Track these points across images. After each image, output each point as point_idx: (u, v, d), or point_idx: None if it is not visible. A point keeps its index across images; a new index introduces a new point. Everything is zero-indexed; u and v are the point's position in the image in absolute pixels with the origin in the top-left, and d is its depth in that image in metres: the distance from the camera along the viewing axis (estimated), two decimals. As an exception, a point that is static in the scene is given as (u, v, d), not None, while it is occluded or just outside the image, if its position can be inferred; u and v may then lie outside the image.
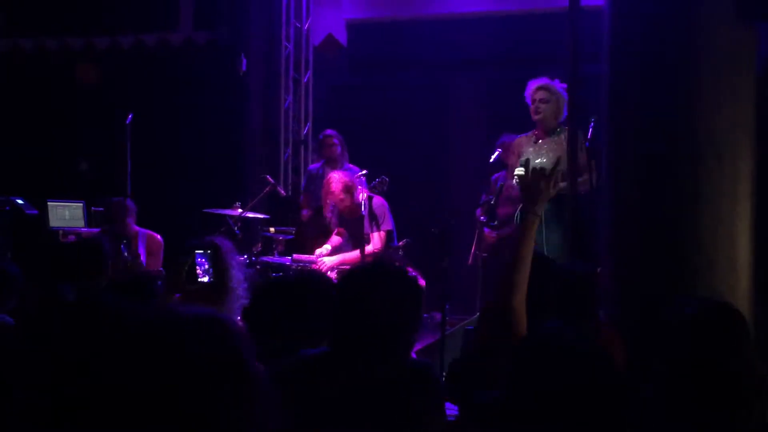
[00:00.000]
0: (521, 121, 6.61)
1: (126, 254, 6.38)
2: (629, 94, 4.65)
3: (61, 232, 7.81)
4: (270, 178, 8.25)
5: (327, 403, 2.54)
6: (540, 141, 6.35)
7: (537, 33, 8.93)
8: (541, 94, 6.32)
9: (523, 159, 6.20)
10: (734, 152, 4.50)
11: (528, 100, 6.41)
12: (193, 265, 4.62)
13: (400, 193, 7.57)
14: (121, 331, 1.55)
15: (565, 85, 6.32)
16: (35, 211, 7.99)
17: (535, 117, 6.35)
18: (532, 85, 6.41)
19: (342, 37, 9.69)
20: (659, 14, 4.50)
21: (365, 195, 6.91)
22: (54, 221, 8.06)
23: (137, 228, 7.12)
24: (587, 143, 6.64)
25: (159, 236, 7.10)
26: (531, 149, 6.32)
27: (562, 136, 6.22)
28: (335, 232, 7.36)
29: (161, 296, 4.00)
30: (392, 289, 2.60)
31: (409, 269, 6.69)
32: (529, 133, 6.49)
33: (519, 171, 6.03)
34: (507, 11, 9.18)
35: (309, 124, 9.93)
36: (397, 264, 2.72)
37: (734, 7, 4.43)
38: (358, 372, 2.56)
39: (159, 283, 3.98)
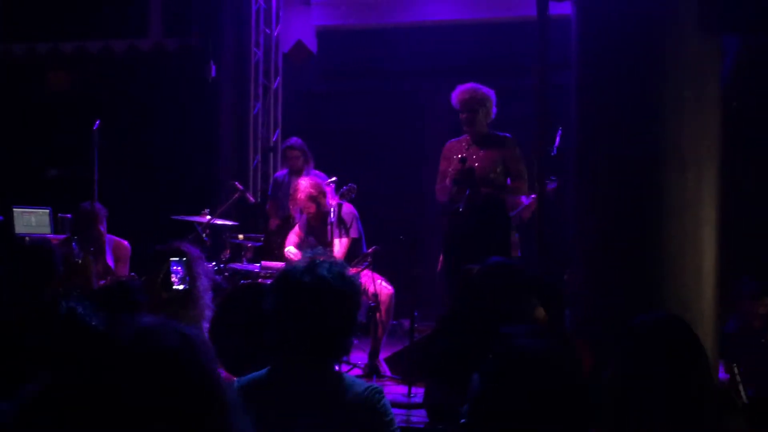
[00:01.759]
0: (494, 128, 6.63)
1: (80, 257, 6.30)
2: (595, 104, 4.70)
3: (27, 238, 7.73)
4: (239, 185, 8.23)
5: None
6: (472, 147, 6.41)
7: (508, 41, 8.99)
8: (471, 102, 6.38)
9: (461, 156, 6.30)
10: (699, 160, 4.56)
11: (457, 107, 6.45)
12: (168, 272, 4.61)
13: (369, 200, 7.58)
14: (81, 344, 1.54)
15: (492, 91, 6.42)
16: (0, 217, 7.91)
17: (469, 128, 6.40)
18: (461, 93, 6.44)
19: (312, 44, 9.68)
20: (625, 25, 4.55)
21: (335, 202, 6.91)
22: (20, 227, 7.98)
23: (106, 235, 7.07)
24: (554, 151, 6.72)
25: (126, 243, 7.06)
26: (463, 154, 6.38)
27: (498, 151, 6.32)
28: (293, 231, 7.33)
29: (143, 305, 3.95)
30: (324, 288, 2.51)
31: (377, 276, 6.71)
32: (461, 138, 6.56)
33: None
34: (478, 19, 9.22)
35: (278, 130, 9.92)
36: (335, 263, 2.61)
37: (698, 19, 4.48)
38: (294, 391, 2.51)
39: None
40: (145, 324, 1.51)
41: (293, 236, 7.30)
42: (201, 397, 1.47)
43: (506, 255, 6.02)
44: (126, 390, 1.42)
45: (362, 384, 2.60)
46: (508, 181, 6.46)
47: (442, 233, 6.51)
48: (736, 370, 4.87)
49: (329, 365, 2.60)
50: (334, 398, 2.52)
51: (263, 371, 2.60)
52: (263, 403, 2.48)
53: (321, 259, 2.60)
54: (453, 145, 6.57)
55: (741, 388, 4.71)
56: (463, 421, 2.13)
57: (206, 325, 4.97)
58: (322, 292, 2.50)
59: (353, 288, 2.59)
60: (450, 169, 6.40)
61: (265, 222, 8.52)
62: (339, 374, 2.62)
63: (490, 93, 6.43)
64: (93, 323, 2.40)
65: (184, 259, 4.71)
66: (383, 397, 2.58)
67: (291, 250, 7.12)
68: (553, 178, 6.39)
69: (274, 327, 2.56)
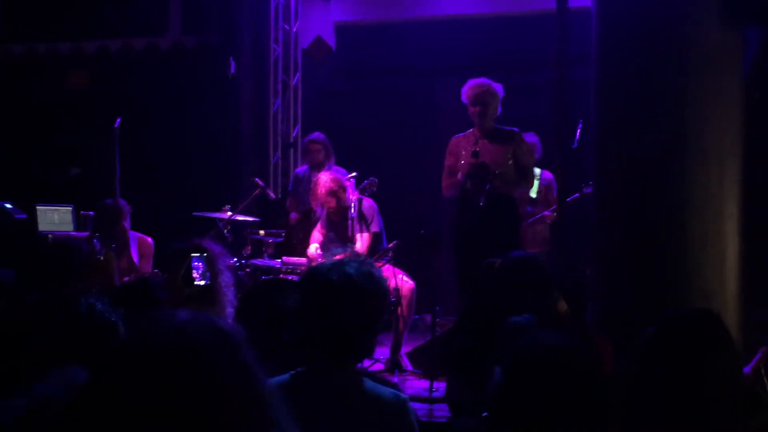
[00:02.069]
0: (511, 123, 6.63)
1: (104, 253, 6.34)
2: (617, 97, 4.68)
3: (50, 236, 7.79)
4: (259, 181, 8.25)
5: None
6: (480, 141, 6.42)
7: (526, 35, 8.96)
8: (484, 96, 6.40)
9: (474, 150, 6.32)
10: (721, 153, 4.53)
11: (466, 102, 6.48)
12: (189, 268, 4.63)
13: (389, 195, 7.58)
14: (109, 342, 1.51)
15: (501, 86, 6.45)
16: (24, 216, 7.97)
17: (481, 121, 6.42)
18: (474, 87, 6.47)
19: (331, 40, 9.69)
20: (647, 17, 4.53)
21: (355, 197, 6.92)
22: (43, 225, 8.04)
23: (129, 231, 7.11)
24: (575, 145, 6.72)
25: (150, 239, 7.09)
26: (471, 149, 6.39)
27: (507, 145, 6.35)
28: (316, 229, 7.35)
29: (165, 302, 3.97)
30: (351, 286, 2.49)
31: (398, 270, 6.72)
32: (468, 133, 6.57)
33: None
34: (496, 13, 9.21)
35: (298, 126, 9.93)
36: (365, 262, 2.60)
37: (720, 11, 4.45)
38: (317, 391, 2.49)
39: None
40: (180, 320, 1.48)
41: (317, 234, 7.32)
42: (240, 394, 1.45)
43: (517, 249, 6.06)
44: (156, 390, 1.38)
45: (388, 390, 2.57)
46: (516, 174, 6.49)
47: (450, 227, 6.53)
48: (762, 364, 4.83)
49: (352, 365, 2.59)
50: (358, 399, 2.50)
51: (286, 375, 2.58)
52: (285, 406, 2.47)
53: (350, 258, 2.60)
54: (460, 140, 6.59)
55: (766, 381, 4.68)
56: (485, 414, 2.14)
57: (229, 322, 4.98)
58: (348, 290, 2.49)
59: (380, 288, 2.56)
60: (461, 163, 6.42)
61: (285, 218, 8.54)
62: (362, 376, 2.59)
63: (500, 89, 6.48)
64: (112, 320, 2.42)
65: (205, 255, 4.73)
66: (410, 407, 2.56)
67: (313, 248, 7.13)
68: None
69: (299, 324, 2.56)
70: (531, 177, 6.57)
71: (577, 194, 6.91)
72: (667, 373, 2.42)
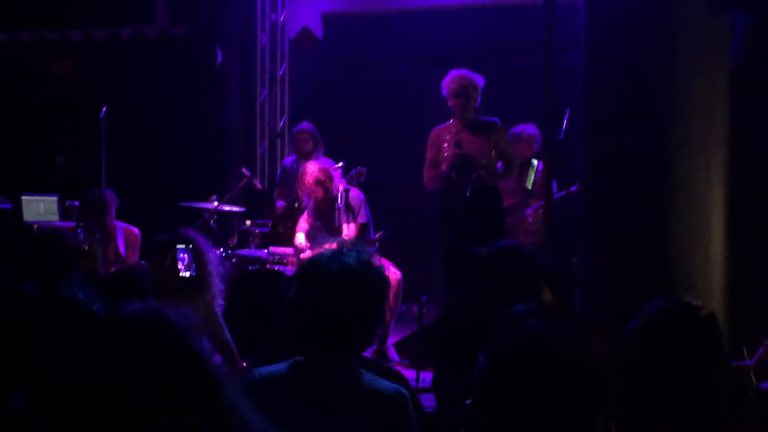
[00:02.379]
0: (500, 113, 6.63)
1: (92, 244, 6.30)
2: (604, 85, 4.67)
3: (35, 226, 7.75)
4: (246, 171, 8.22)
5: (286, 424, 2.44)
6: (461, 132, 6.43)
7: (515, 25, 8.95)
8: (466, 88, 6.40)
9: (457, 141, 6.35)
10: (708, 142, 4.53)
11: (447, 94, 6.47)
12: (175, 259, 4.61)
13: (377, 185, 7.57)
14: (73, 329, 1.53)
15: (480, 76, 6.46)
16: (9, 205, 7.92)
17: (463, 113, 6.42)
18: (455, 79, 6.46)
19: (318, 30, 9.66)
20: (634, 4, 4.52)
21: (342, 187, 6.91)
22: (28, 215, 7.99)
23: (116, 222, 7.08)
24: (561, 135, 6.72)
25: (137, 230, 7.06)
26: (453, 140, 6.40)
27: (489, 135, 6.36)
28: (302, 218, 7.34)
29: (150, 292, 3.95)
30: (350, 275, 2.46)
31: (385, 261, 6.72)
32: (448, 124, 6.57)
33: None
34: (484, 3, 9.20)
35: (285, 117, 9.90)
36: (364, 251, 2.56)
37: (707, -2, 4.46)
38: (315, 383, 2.46)
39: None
40: (129, 311, 1.51)
41: (303, 223, 7.30)
42: (188, 382, 1.46)
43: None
44: (104, 379, 1.41)
45: (389, 385, 2.54)
46: (499, 165, 6.49)
47: (433, 217, 6.53)
48: (746, 355, 4.84)
49: (351, 357, 2.54)
50: (355, 392, 2.47)
51: (284, 364, 2.54)
52: (283, 396, 2.44)
53: (348, 247, 2.57)
54: (440, 132, 6.59)
55: (752, 374, 4.69)
56: (469, 401, 2.12)
57: (219, 311, 4.98)
58: (347, 280, 2.45)
59: (379, 277, 2.53)
60: (445, 155, 6.42)
61: (272, 207, 8.52)
62: (361, 369, 2.54)
63: (480, 79, 6.48)
64: (93, 310, 2.39)
65: (191, 246, 4.72)
66: (410, 403, 2.52)
67: (300, 237, 7.11)
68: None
69: (295, 316, 2.51)
70: (514, 166, 6.56)
71: (563, 192, 6.90)
72: (661, 369, 2.41)
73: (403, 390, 2.54)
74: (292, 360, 2.54)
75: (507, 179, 6.68)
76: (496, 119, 6.50)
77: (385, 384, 2.54)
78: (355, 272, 2.46)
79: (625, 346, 2.53)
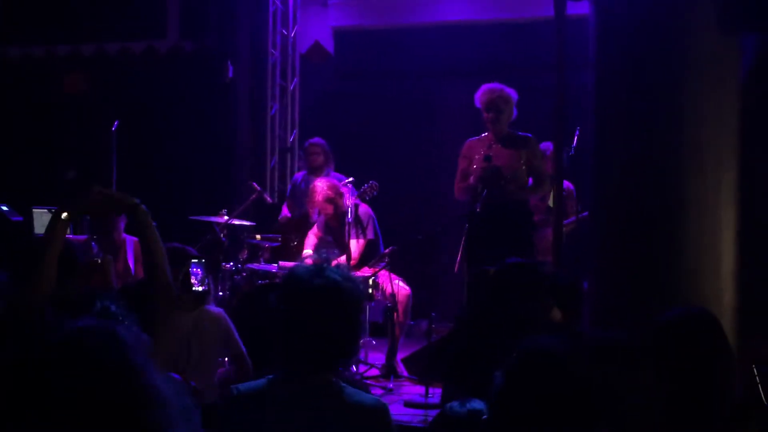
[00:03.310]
0: (511, 127, 6.62)
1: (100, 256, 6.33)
2: (614, 103, 4.68)
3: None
4: (256, 185, 8.25)
5: None
6: (494, 146, 6.41)
7: (524, 41, 8.97)
8: (497, 102, 6.38)
9: (486, 155, 6.30)
10: (718, 161, 4.53)
11: (481, 107, 6.46)
12: (188, 273, 4.65)
13: (386, 200, 7.58)
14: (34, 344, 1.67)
15: (515, 91, 6.44)
16: (20, 218, 7.95)
17: (494, 127, 6.41)
18: (487, 92, 6.44)
19: (329, 45, 9.69)
20: (644, 24, 4.53)
21: (351, 203, 6.92)
22: (39, 228, 8.01)
23: (125, 235, 7.11)
24: (572, 152, 6.71)
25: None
26: (484, 152, 6.37)
27: (521, 150, 6.33)
28: (312, 231, 7.34)
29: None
30: (335, 290, 2.47)
31: (394, 276, 6.70)
32: (482, 137, 6.55)
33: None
34: (494, 20, 9.21)
35: (296, 131, 9.93)
36: (341, 266, 2.57)
37: (716, 18, 4.46)
38: (295, 398, 2.48)
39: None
40: (78, 325, 1.65)
41: (312, 237, 7.31)
42: (122, 394, 1.57)
43: (530, 255, 6.00)
44: (51, 385, 1.54)
45: (369, 398, 2.56)
46: (530, 180, 6.45)
47: (462, 233, 6.47)
48: (755, 372, 4.83)
49: (332, 370, 2.55)
50: (335, 405, 2.48)
51: (263, 380, 2.56)
52: (262, 411, 2.47)
53: (329, 263, 2.58)
54: (474, 144, 6.55)
55: (761, 390, 4.67)
56: (485, 417, 2.15)
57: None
58: (329, 293, 2.46)
59: (359, 292, 2.55)
60: (474, 167, 6.39)
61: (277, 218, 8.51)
62: (342, 383, 2.56)
63: (514, 93, 6.44)
64: (126, 323, 2.41)
65: (203, 260, 4.76)
66: (390, 416, 2.55)
67: (308, 253, 7.12)
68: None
69: (278, 329, 2.52)
70: (544, 182, 6.49)
71: (573, 218, 6.89)
72: (667, 375, 2.43)
73: (383, 402, 2.57)
74: (272, 375, 2.56)
75: (536, 194, 6.65)
76: (529, 134, 6.47)
77: (366, 396, 2.56)
78: (338, 286, 2.48)
79: (637, 358, 2.56)
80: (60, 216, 2.68)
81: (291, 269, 2.62)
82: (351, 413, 2.47)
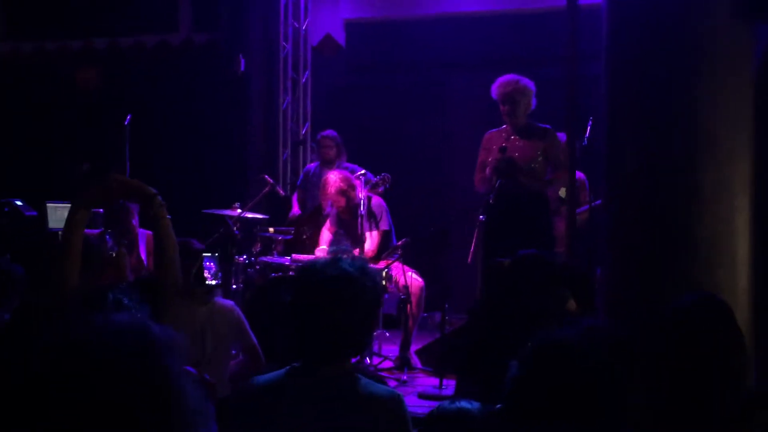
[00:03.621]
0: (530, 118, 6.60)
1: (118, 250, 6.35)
2: (627, 93, 4.65)
3: (60, 233, 7.80)
4: (269, 178, 8.26)
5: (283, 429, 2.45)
6: (512, 137, 6.39)
7: (536, 32, 8.94)
8: (513, 94, 6.36)
9: (502, 146, 6.29)
10: (732, 150, 4.50)
11: (497, 98, 6.43)
12: (202, 267, 4.70)
13: (398, 192, 7.58)
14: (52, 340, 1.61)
15: (532, 82, 6.41)
16: (34, 213, 7.99)
17: (510, 119, 6.39)
18: (503, 84, 6.41)
19: (340, 38, 9.68)
20: (657, 13, 4.50)
21: (364, 195, 6.92)
22: (53, 222, 8.06)
23: (138, 228, 7.13)
24: (585, 142, 6.69)
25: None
26: (504, 144, 6.35)
27: (539, 142, 6.31)
28: (325, 227, 7.36)
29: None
30: (347, 280, 2.49)
31: (408, 268, 6.71)
32: (501, 129, 6.53)
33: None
34: (506, 10, 9.18)
35: (308, 124, 9.94)
36: (357, 258, 2.60)
37: (731, 7, 4.43)
38: (310, 389, 2.49)
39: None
40: (110, 323, 1.55)
41: (326, 232, 7.32)
42: (151, 396, 1.50)
43: (548, 246, 5.97)
44: (77, 386, 1.46)
45: (384, 389, 2.58)
46: (548, 171, 6.43)
47: (475, 225, 6.46)
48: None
49: (347, 360, 2.57)
50: (350, 395, 2.49)
51: (281, 371, 2.58)
52: (282, 402, 2.49)
53: (343, 255, 2.61)
54: (493, 136, 6.54)
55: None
56: (499, 406, 2.16)
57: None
58: (344, 284, 2.47)
59: (373, 282, 2.56)
60: (490, 159, 6.37)
61: (288, 212, 8.52)
62: (357, 373, 2.58)
63: (531, 84, 6.42)
64: (138, 315, 2.41)
65: (216, 255, 4.80)
66: (406, 407, 2.56)
67: (322, 249, 7.13)
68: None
69: (293, 321, 2.54)
70: (564, 173, 6.47)
71: (586, 206, 6.88)
72: (676, 362, 2.43)
73: (398, 393, 2.59)
74: (289, 366, 2.57)
75: (553, 186, 6.63)
76: (548, 126, 6.45)
77: (380, 387, 2.58)
78: (352, 277, 2.49)
79: (651, 343, 2.56)
80: (78, 211, 2.69)
81: (306, 262, 2.65)
82: (366, 404, 2.48)
